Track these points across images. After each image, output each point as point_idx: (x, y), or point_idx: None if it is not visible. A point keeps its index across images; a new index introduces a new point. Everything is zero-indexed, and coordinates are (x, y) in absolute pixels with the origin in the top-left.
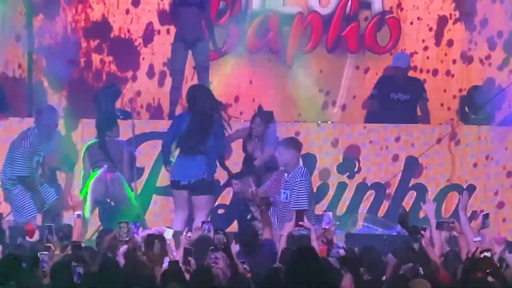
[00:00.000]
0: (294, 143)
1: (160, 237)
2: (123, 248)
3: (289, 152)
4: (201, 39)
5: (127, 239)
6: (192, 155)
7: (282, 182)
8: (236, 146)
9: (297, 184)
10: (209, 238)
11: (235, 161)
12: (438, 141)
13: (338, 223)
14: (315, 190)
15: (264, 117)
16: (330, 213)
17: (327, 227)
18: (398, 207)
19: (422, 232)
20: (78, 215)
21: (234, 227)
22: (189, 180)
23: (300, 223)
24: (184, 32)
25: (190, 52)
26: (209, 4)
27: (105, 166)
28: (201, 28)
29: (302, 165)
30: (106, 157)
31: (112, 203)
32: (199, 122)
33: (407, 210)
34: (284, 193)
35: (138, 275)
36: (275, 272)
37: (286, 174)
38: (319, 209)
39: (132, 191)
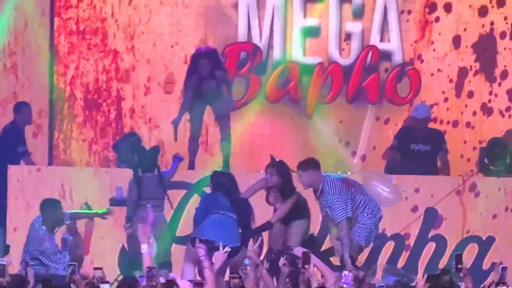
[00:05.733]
0: (311, 163)
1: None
2: None
3: (310, 174)
4: (219, 92)
5: (154, 284)
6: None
7: (318, 204)
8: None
9: (329, 199)
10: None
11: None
12: (458, 192)
13: None
14: None
15: (277, 167)
16: (351, 274)
17: (345, 287)
18: (418, 258)
19: None
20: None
21: None
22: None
23: (306, 266)
24: (201, 87)
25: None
26: (221, 62)
27: (148, 206)
28: (220, 92)
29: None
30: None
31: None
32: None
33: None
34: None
35: None
36: None
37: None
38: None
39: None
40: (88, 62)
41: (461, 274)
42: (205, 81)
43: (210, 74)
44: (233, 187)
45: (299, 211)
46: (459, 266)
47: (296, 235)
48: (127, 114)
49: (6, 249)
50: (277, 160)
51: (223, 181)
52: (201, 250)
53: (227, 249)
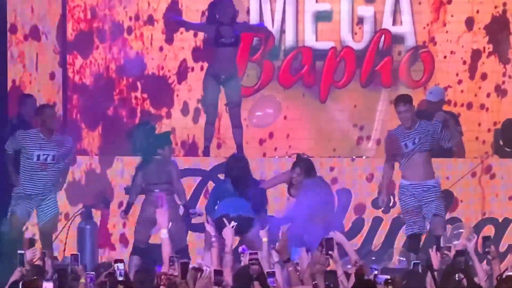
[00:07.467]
0: (411, 99)
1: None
2: None
3: (412, 108)
4: (233, 77)
5: (122, 278)
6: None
7: (403, 136)
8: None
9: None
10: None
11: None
12: (473, 174)
13: (373, 258)
14: (350, 225)
15: (304, 165)
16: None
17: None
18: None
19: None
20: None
21: None
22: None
23: (330, 252)
24: (216, 70)
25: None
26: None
27: (157, 191)
28: (234, 65)
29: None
30: (161, 178)
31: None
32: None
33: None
34: (411, 141)
35: None
36: None
37: (407, 131)
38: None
39: None
40: (97, 50)
41: (489, 257)
42: (224, 28)
43: (230, 21)
44: (247, 173)
45: None
46: (486, 249)
47: None
48: (139, 103)
49: (32, 242)
50: (304, 158)
51: (237, 166)
52: (210, 228)
53: (233, 223)
